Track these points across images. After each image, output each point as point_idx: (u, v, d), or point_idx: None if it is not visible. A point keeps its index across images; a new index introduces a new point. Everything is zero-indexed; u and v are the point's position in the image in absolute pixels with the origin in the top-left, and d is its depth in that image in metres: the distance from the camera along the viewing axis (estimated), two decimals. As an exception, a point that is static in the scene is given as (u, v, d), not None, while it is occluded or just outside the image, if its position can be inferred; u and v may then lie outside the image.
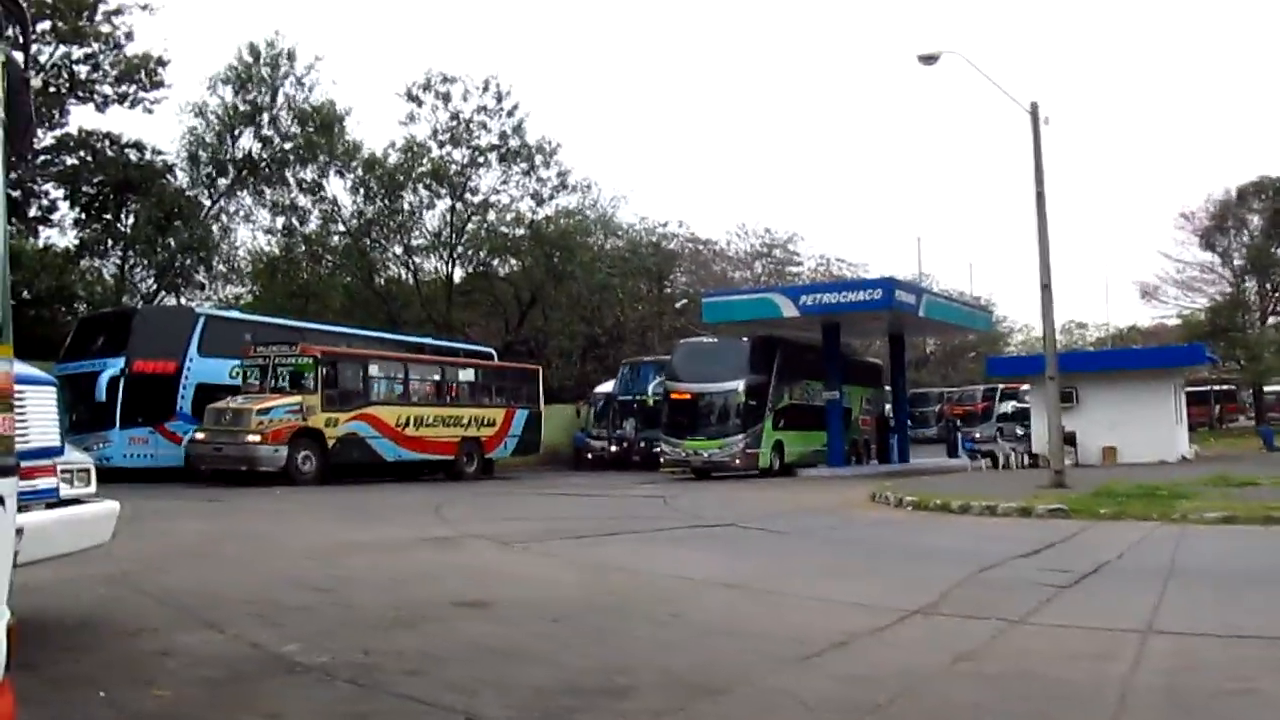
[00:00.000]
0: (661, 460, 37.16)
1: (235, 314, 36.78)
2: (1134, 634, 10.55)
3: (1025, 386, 50.53)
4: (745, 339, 38.66)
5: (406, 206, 51.06)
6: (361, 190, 50.16)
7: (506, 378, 38.98)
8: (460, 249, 52.47)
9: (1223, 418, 75.01)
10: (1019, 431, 49.16)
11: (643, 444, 40.86)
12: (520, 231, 52.75)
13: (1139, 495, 22.13)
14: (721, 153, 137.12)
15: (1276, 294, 69.87)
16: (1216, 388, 76.25)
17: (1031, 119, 27.64)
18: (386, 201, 50.23)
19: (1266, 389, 71.72)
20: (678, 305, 60.33)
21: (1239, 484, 24.70)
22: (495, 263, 54.46)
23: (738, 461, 35.81)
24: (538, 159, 52.42)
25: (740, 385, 36.38)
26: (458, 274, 53.96)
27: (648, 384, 42.20)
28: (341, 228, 51.19)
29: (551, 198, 53.43)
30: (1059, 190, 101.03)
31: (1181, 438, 39.85)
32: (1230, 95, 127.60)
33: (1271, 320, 69.75)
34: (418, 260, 53.13)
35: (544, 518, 21.07)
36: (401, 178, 50.07)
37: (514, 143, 50.98)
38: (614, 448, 42.33)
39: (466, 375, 37.30)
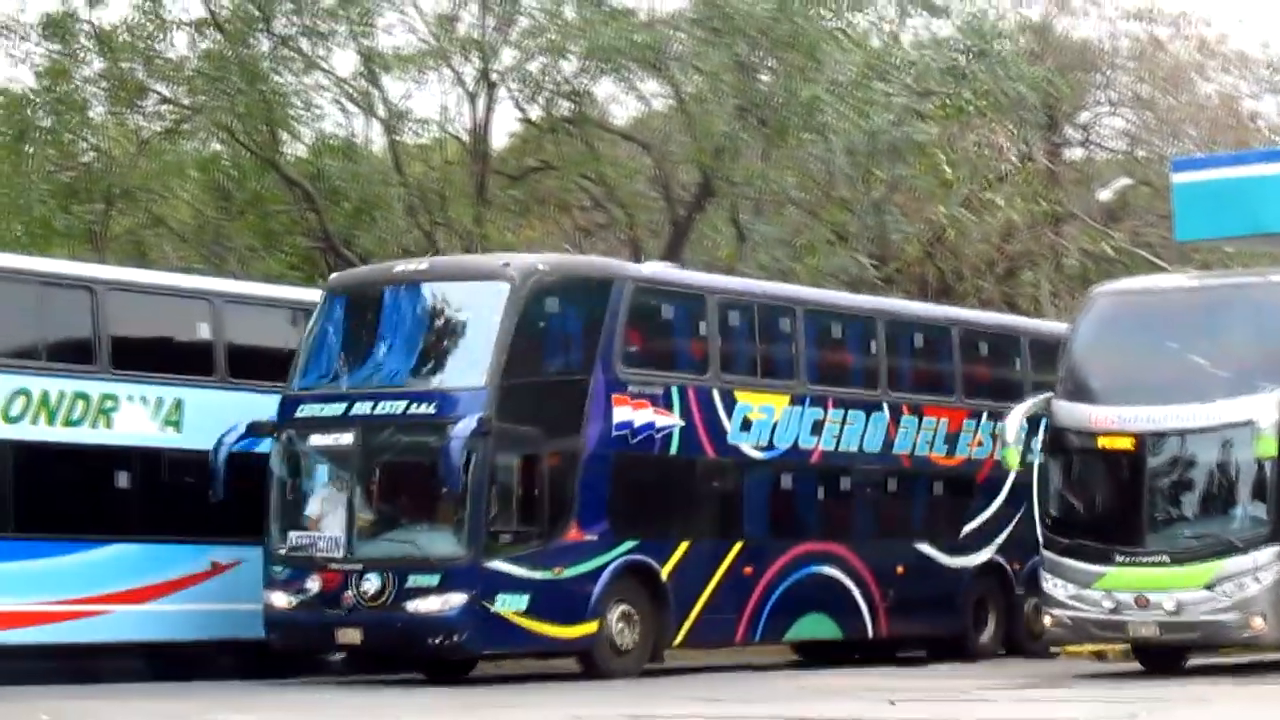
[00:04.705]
0: (1044, 616, 24.23)
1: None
2: None
3: None
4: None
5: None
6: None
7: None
8: (511, 59, 34.21)
9: None
10: None
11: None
12: (670, 5, 34.63)
13: None
14: None
15: None
16: None
17: None
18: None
19: None
20: (1103, 194, 39.54)
21: None
22: (599, 94, 36.57)
23: (1260, 622, 23.07)
24: None
25: (1275, 408, 23.32)
26: (504, 125, 37.70)
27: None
28: (198, 10, 32.59)
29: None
30: None
31: None
32: None
33: None
34: (395, 95, 34.67)
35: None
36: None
37: None
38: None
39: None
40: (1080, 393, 24.69)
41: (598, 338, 23.58)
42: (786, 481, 25.68)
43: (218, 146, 32.25)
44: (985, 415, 27.71)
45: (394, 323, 24.20)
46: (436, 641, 22.05)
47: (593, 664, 22.99)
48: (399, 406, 22.55)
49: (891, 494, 26.82)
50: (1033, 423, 25.84)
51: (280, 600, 22.15)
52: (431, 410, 22.32)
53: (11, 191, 30.28)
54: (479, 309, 23.41)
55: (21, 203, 30.13)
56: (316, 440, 23.09)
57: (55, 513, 20.63)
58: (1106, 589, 23.91)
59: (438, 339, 24.29)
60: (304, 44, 32.01)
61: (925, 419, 27.12)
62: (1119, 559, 23.97)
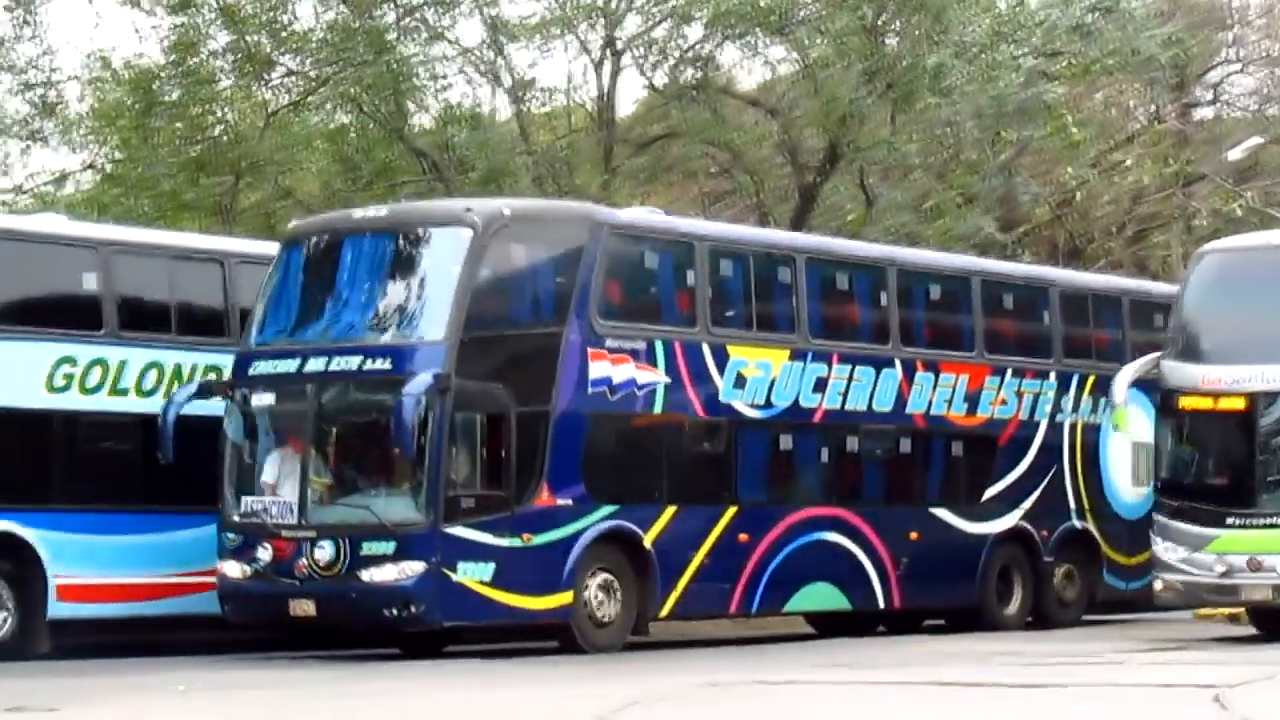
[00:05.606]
0: (1154, 581, 23.38)
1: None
2: None
3: None
4: None
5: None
6: None
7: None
8: (635, 26, 32.96)
9: None
10: None
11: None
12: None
13: None
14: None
15: None
16: None
17: None
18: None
19: None
20: (1233, 154, 37.83)
21: None
22: (725, 60, 34.83)
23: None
24: None
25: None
26: (629, 93, 36.57)
27: None
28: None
29: None
30: None
31: None
32: None
33: None
34: (521, 64, 33.36)
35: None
36: None
37: None
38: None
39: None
40: (1190, 353, 23.74)
41: (572, 288, 21.33)
42: (786, 442, 23.65)
43: (345, 118, 30.88)
44: (1010, 372, 25.79)
45: (351, 274, 21.93)
46: (393, 613, 20.03)
47: (569, 637, 20.91)
48: (354, 362, 20.47)
49: (904, 456, 24.79)
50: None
51: (233, 570, 20.19)
52: (387, 366, 20.25)
53: (140, 165, 29.31)
54: (439, 258, 21.18)
55: (150, 176, 28.95)
56: (269, 399, 21.03)
57: (186, 486, 19.67)
58: (1218, 552, 23.03)
59: (396, 290, 21.86)
60: (429, 14, 30.63)
61: (942, 375, 25.13)
62: (1231, 521, 23.11)
